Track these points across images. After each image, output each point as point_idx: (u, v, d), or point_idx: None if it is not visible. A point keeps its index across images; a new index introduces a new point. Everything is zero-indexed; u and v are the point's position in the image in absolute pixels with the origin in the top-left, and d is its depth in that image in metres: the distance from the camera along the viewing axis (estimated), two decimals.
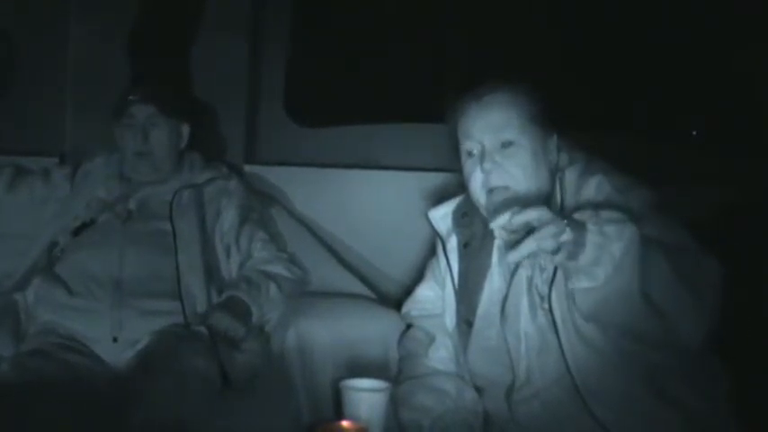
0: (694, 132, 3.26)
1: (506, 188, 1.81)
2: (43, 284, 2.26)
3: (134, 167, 2.42)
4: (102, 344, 2.15)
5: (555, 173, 1.85)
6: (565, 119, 1.89)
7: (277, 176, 2.87)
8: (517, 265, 1.84)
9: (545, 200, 1.82)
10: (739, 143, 2.93)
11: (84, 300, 2.19)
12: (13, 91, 2.78)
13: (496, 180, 1.81)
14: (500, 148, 1.81)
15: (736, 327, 1.62)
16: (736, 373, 1.74)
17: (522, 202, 1.77)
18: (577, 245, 1.50)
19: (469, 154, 1.86)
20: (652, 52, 3.16)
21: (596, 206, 1.67)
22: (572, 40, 3.26)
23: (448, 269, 2.00)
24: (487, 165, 1.81)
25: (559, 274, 1.74)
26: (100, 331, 2.15)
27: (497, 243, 1.93)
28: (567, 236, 1.49)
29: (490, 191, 1.83)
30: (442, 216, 2.04)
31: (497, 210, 1.61)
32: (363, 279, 2.65)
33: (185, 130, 2.51)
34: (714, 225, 2.24)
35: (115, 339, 2.14)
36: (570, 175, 1.82)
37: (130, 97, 2.42)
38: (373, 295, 2.57)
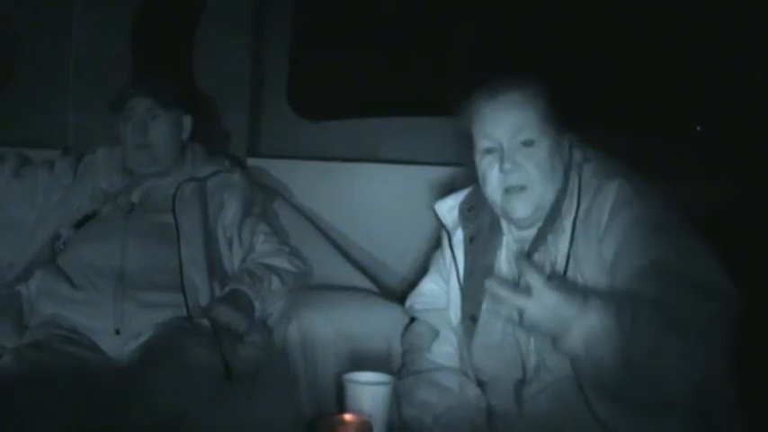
0: (698, 128, 3.26)
1: (523, 188, 1.81)
2: (45, 277, 2.25)
3: (135, 160, 2.42)
4: (104, 336, 2.15)
5: (568, 171, 1.85)
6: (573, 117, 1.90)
7: (280, 170, 2.87)
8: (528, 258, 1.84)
9: (557, 198, 1.83)
10: (740, 142, 2.93)
11: (87, 292, 2.19)
12: (16, 85, 2.78)
13: (514, 180, 1.81)
14: (520, 147, 1.81)
15: (738, 326, 1.62)
16: (740, 372, 1.74)
17: (539, 206, 1.81)
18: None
19: (487, 152, 1.85)
20: (654, 51, 3.16)
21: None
22: (573, 39, 3.25)
23: (453, 263, 1.99)
24: (508, 165, 1.80)
25: (571, 270, 1.75)
26: (102, 323, 2.15)
27: (505, 239, 1.93)
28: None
29: (506, 190, 1.82)
30: (449, 209, 2.04)
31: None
32: (366, 272, 2.64)
33: (187, 121, 2.51)
34: (714, 224, 2.25)
35: (117, 332, 2.14)
36: (587, 173, 1.81)
37: (129, 90, 2.42)
38: (376, 289, 2.56)
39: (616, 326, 1.54)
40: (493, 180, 1.84)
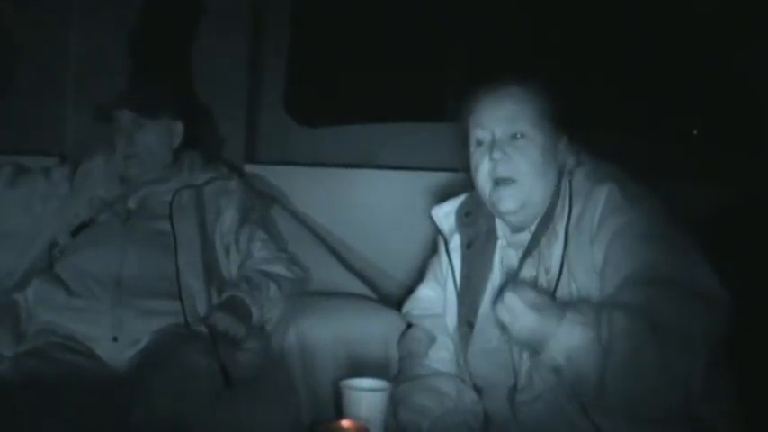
0: (695, 132, 3.27)
1: (512, 180, 1.81)
2: (43, 285, 2.25)
3: (124, 169, 2.42)
4: (102, 344, 2.14)
5: (562, 174, 1.85)
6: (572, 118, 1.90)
7: (277, 176, 2.87)
8: (521, 266, 1.84)
9: (549, 202, 1.83)
10: (739, 143, 2.93)
11: (84, 299, 2.19)
12: (14, 90, 2.78)
13: (503, 171, 1.81)
14: (510, 139, 1.81)
15: (737, 326, 1.61)
16: (738, 372, 1.74)
17: (527, 203, 1.81)
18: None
19: (479, 143, 1.86)
20: (653, 51, 3.16)
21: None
22: (573, 39, 3.26)
23: (450, 269, 1.99)
24: (497, 154, 1.80)
25: (564, 275, 1.75)
26: (100, 331, 2.15)
27: (500, 244, 1.93)
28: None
29: (496, 182, 1.82)
30: (446, 214, 2.04)
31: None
32: (364, 278, 2.65)
33: (178, 127, 2.48)
34: (713, 225, 2.25)
35: (115, 339, 2.14)
36: (579, 178, 1.81)
37: (112, 103, 2.42)
38: (374, 295, 2.56)
39: (594, 338, 1.56)
40: (483, 171, 1.84)
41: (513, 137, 1.81)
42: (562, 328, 1.58)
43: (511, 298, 1.61)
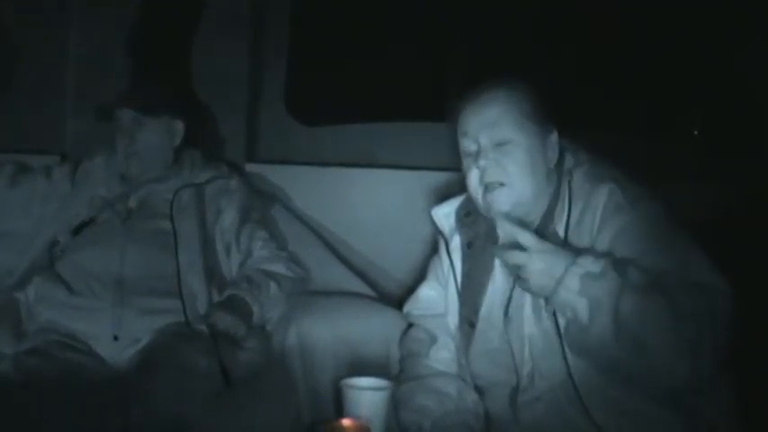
0: (695, 132, 3.27)
1: (501, 184, 1.81)
2: (44, 283, 2.26)
3: (125, 168, 2.42)
4: (102, 342, 2.15)
5: (558, 172, 1.85)
6: (566, 117, 1.90)
7: (278, 175, 2.87)
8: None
9: (549, 204, 1.83)
10: (739, 143, 2.93)
11: (85, 298, 2.20)
12: (14, 90, 2.78)
13: (492, 176, 1.82)
14: (495, 145, 1.82)
15: (737, 327, 1.62)
16: (738, 372, 1.74)
17: (520, 203, 1.81)
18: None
19: (467, 152, 1.87)
20: (653, 51, 3.16)
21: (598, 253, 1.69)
22: (573, 39, 3.26)
23: (451, 269, 1.99)
24: (483, 162, 1.81)
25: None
26: (101, 330, 2.15)
27: (501, 244, 1.93)
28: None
29: (486, 187, 1.83)
30: (446, 214, 2.04)
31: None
32: (364, 278, 2.65)
33: (178, 126, 2.48)
34: (713, 225, 2.25)
35: (116, 338, 2.15)
36: (577, 178, 1.82)
37: (113, 102, 2.42)
38: (374, 294, 2.56)
39: (604, 285, 1.58)
40: (473, 179, 1.85)
41: (499, 143, 1.82)
42: (575, 267, 1.61)
43: (525, 237, 1.65)
